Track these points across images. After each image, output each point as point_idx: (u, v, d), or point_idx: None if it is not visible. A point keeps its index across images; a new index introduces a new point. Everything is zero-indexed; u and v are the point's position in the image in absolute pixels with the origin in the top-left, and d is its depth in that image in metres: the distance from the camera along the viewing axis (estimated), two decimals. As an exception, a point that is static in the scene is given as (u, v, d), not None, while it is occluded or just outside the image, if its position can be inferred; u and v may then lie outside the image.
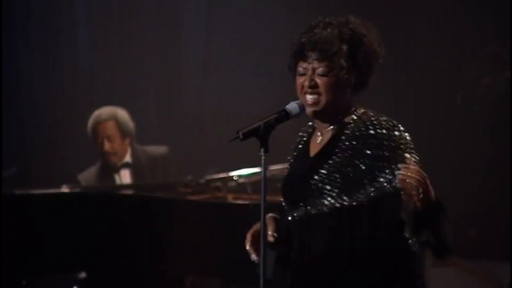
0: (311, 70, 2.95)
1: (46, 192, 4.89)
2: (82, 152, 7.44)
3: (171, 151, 5.36)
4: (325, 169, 2.90)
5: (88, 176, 5.45)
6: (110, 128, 5.39)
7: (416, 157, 2.89)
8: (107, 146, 5.36)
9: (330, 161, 2.91)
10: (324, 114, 2.96)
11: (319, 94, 2.94)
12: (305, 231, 2.94)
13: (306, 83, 2.95)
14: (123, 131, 5.38)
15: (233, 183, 4.78)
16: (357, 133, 2.92)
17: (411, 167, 2.76)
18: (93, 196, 4.88)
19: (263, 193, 2.88)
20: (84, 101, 7.92)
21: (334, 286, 2.93)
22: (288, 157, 3.11)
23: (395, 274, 2.92)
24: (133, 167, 5.33)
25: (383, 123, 2.92)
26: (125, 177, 5.32)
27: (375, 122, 2.92)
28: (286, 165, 3.13)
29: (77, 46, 8.20)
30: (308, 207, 2.92)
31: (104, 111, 5.48)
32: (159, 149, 5.37)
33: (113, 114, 5.42)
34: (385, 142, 2.89)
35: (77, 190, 4.92)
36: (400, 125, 2.92)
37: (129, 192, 5.01)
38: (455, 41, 6.39)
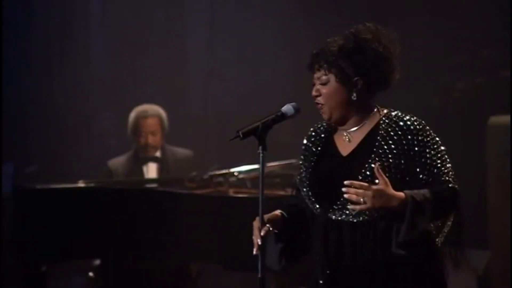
0: (316, 79, 2.94)
1: (64, 186, 4.90)
2: (95, 152, 7.47)
3: (195, 155, 5.33)
4: (363, 172, 2.82)
5: (117, 162, 5.44)
6: (155, 124, 5.38)
7: (443, 148, 2.86)
8: (150, 139, 5.34)
9: (368, 163, 2.84)
10: (338, 120, 2.93)
11: (322, 103, 2.94)
12: (345, 236, 2.87)
13: (313, 93, 2.93)
14: (163, 128, 5.39)
15: (233, 179, 4.76)
16: (392, 133, 2.87)
17: (355, 182, 2.73)
18: (107, 190, 4.89)
19: (261, 188, 2.87)
20: (98, 105, 7.94)
21: (370, 283, 2.85)
22: (301, 159, 3.03)
23: (423, 274, 2.86)
24: (160, 162, 5.32)
25: (415, 122, 2.88)
26: (152, 169, 5.32)
27: (408, 122, 2.87)
28: (300, 165, 3.03)
29: (92, 55, 8.20)
30: (347, 211, 2.83)
31: (150, 108, 5.45)
32: (185, 152, 5.37)
33: (158, 111, 5.42)
34: (420, 138, 2.85)
35: (92, 185, 4.91)
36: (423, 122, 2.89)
37: (141, 186, 4.99)
38: (433, 49, 6.40)
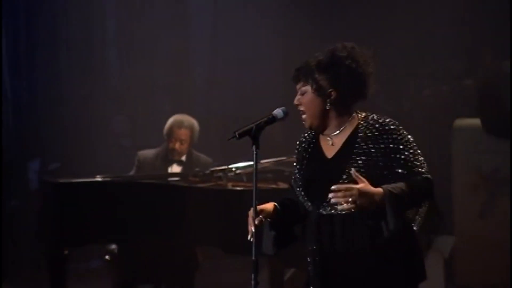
0: (297, 90, 2.96)
1: (83, 180, 4.87)
2: (110, 150, 7.47)
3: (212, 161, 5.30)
4: (346, 172, 2.81)
5: (146, 154, 5.40)
6: (186, 134, 5.32)
7: (415, 144, 2.87)
8: (178, 146, 5.30)
9: (350, 163, 2.83)
10: (317, 126, 2.94)
11: (303, 112, 2.95)
12: (335, 228, 2.86)
13: (295, 102, 2.95)
14: (193, 139, 5.35)
15: (231, 174, 4.75)
16: (369, 134, 2.87)
17: (342, 186, 2.73)
18: (121, 183, 4.88)
19: (255, 181, 2.90)
20: (112, 110, 7.93)
21: (355, 271, 2.87)
22: (295, 163, 3.03)
23: (405, 257, 2.86)
24: (184, 165, 5.29)
25: (389, 123, 2.88)
26: (175, 170, 5.28)
27: (383, 123, 2.87)
28: (294, 167, 3.04)
29: (107, 66, 8.19)
30: (335, 206, 2.81)
31: (186, 119, 5.37)
32: (206, 159, 5.31)
33: (191, 124, 5.35)
34: (394, 137, 2.85)
35: (108, 179, 4.90)
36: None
37: (151, 180, 4.97)
38: (404, 61, 6.41)
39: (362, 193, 2.73)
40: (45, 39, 7.92)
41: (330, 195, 2.74)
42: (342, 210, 2.79)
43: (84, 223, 4.64)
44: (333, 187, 2.74)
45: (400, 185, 2.80)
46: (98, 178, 4.85)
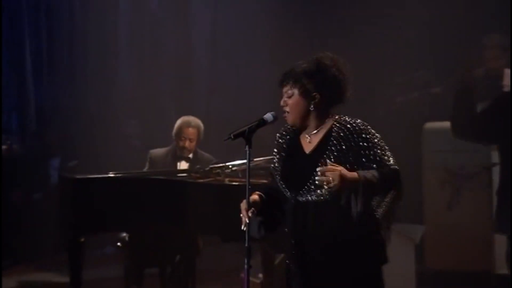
0: (284, 93, 2.99)
1: (98, 176, 4.85)
2: (122, 150, 7.47)
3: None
4: (324, 164, 2.82)
5: (157, 152, 5.36)
6: (194, 133, 5.28)
7: (382, 141, 2.90)
8: (187, 144, 5.26)
9: (323, 159, 2.84)
10: (299, 125, 2.97)
11: (288, 112, 2.98)
12: (309, 212, 2.89)
13: (281, 103, 2.99)
14: (199, 138, 5.33)
15: (228, 170, 4.72)
16: (341, 134, 2.89)
17: (327, 167, 2.77)
18: (131, 178, 4.86)
19: (248, 177, 2.94)
20: (125, 114, 7.93)
21: (325, 251, 2.90)
22: (275, 151, 3.06)
23: (368, 239, 2.90)
24: (190, 162, 5.27)
25: (359, 123, 2.91)
26: (183, 166, 5.25)
27: (353, 124, 2.90)
28: (273, 156, 3.07)
29: (120, 73, 8.19)
30: (310, 194, 2.88)
31: (193, 120, 5.32)
32: (209, 156, 5.26)
33: (198, 124, 5.30)
34: (363, 136, 2.87)
35: (120, 175, 4.89)
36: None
37: (158, 176, 4.95)
38: (378, 71, 6.43)
39: (341, 175, 2.76)
40: (64, 50, 7.93)
41: (317, 178, 2.77)
42: (324, 191, 2.84)
43: (98, 214, 4.62)
44: (319, 169, 2.77)
45: (373, 171, 2.84)
46: (111, 174, 4.83)
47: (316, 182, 2.79)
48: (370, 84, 6.29)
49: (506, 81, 5.14)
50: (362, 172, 2.82)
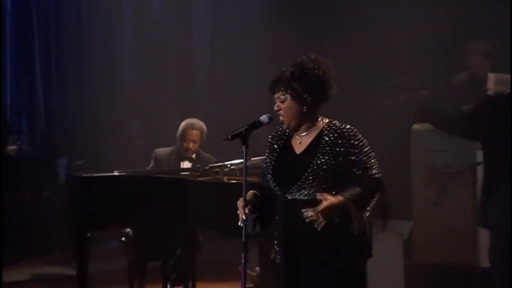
0: (277, 99, 3.00)
1: (103, 175, 4.82)
2: (126, 150, 7.47)
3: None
4: (311, 166, 2.86)
5: (162, 151, 5.34)
6: (197, 135, 5.27)
7: (369, 147, 2.91)
8: (191, 145, 5.26)
9: (315, 160, 2.88)
10: (294, 127, 2.97)
11: (282, 115, 2.98)
12: (298, 210, 2.89)
13: (275, 108, 3.00)
14: (202, 139, 5.32)
15: (227, 169, 4.72)
16: (332, 138, 2.91)
17: (316, 211, 2.81)
18: (134, 177, 4.85)
19: (244, 176, 2.96)
20: (129, 115, 7.93)
21: (312, 246, 2.91)
22: (267, 152, 3.06)
23: (351, 237, 2.91)
24: (193, 162, 5.26)
25: (349, 129, 2.92)
26: (186, 166, 5.26)
27: (343, 130, 2.91)
28: (265, 157, 3.07)
29: (124, 78, 8.20)
30: (300, 193, 2.89)
31: (197, 122, 5.31)
32: (210, 157, 5.26)
33: (201, 126, 5.30)
34: (351, 141, 2.89)
35: (124, 174, 4.88)
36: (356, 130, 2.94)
37: (160, 174, 4.94)
38: (368, 75, 6.43)
39: (329, 208, 2.81)
40: (71, 56, 7.93)
41: (305, 214, 2.82)
42: (312, 191, 2.87)
43: (103, 211, 4.61)
44: (305, 214, 2.83)
45: (356, 190, 2.86)
46: (116, 173, 4.82)
47: (306, 220, 2.82)
48: (361, 88, 6.30)
49: (490, 85, 5.15)
50: (347, 194, 2.86)
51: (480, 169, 4.74)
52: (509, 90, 3.85)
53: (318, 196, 2.82)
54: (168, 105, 7.82)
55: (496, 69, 5.20)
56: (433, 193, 5.44)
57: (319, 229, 2.81)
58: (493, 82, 5.15)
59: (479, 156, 4.90)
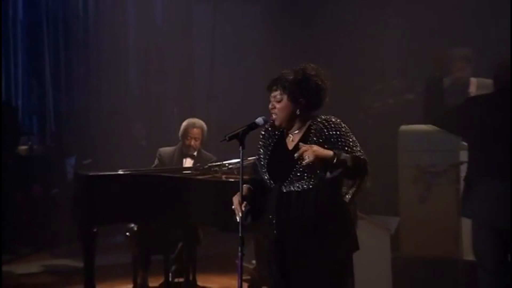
0: (273, 97, 3.01)
1: (109, 173, 4.82)
2: (131, 150, 7.47)
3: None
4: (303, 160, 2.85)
5: (165, 150, 5.33)
6: (198, 133, 5.27)
7: (353, 136, 2.93)
8: (193, 143, 5.26)
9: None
10: (285, 126, 3.00)
11: (276, 114, 3.00)
12: (292, 201, 2.93)
13: (270, 106, 3.00)
14: (203, 137, 5.32)
15: (225, 168, 4.73)
16: (318, 129, 2.94)
17: (301, 149, 2.82)
18: (138, 175, 4.84)
19: (241, 174, 2.98)
20: (133, 117, 7.93)
21: (304, 235, 2.92)
22: (260, 144, 3.07)
23: (339, 224, 2.94)
24: (195, 159, 5.26)
25: (332, 119, 2.96)
26: (188, 162, 5.25)
27: (329, 120, 2.95)
28: (258, 148, 3.07)
29: (129, 81, 8.20)
30: (293, 185, 2.91)
31: (197, 121, 5.31)
32: (210, 156, 5.25)
33: (202, 125, 5.30)
34: (336, 130, 2.92)
35: (128, 172, 4.89)
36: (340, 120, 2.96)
37: (162, 173, 4.94)
38: (358, 79, 6.44)
39: (315, 150, 2.82)
40: (79, 61, 7.94)
41: (296, 154, 2.83)
42: (304, 181, 2.90)
43: (109, 207, 4.62)
44: (296, 154, 2.82)
45: (346, 155, 2.88)
46: (121, 172, 4.83)
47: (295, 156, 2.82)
48: (351, 91, 6.31)
49: (472, 89, 5.17)
50: (337, 152, 2.87)
51: (463, 168, 4.74)
52: (492, 92, 3.87)
53: (300, 145, 2.83)
54: (169, 108, 7.82)
55: (478, 74, 5.21)
56: (419, 190, 5.45)
57: (304, 163, 2.81)
58: (475, 86, 5.16)
59: (462, 155, 4.92)
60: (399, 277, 4.88)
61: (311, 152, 2.80)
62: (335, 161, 2.81)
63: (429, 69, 4.04)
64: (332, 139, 2.91)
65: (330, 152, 2.83)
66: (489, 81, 4.01)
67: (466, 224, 4.47)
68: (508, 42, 5.17)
